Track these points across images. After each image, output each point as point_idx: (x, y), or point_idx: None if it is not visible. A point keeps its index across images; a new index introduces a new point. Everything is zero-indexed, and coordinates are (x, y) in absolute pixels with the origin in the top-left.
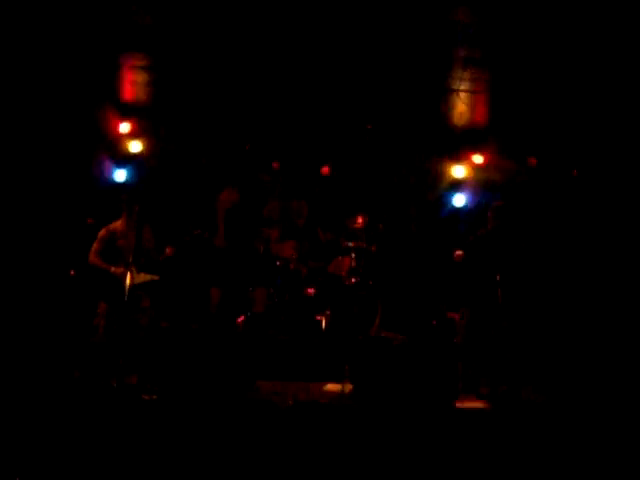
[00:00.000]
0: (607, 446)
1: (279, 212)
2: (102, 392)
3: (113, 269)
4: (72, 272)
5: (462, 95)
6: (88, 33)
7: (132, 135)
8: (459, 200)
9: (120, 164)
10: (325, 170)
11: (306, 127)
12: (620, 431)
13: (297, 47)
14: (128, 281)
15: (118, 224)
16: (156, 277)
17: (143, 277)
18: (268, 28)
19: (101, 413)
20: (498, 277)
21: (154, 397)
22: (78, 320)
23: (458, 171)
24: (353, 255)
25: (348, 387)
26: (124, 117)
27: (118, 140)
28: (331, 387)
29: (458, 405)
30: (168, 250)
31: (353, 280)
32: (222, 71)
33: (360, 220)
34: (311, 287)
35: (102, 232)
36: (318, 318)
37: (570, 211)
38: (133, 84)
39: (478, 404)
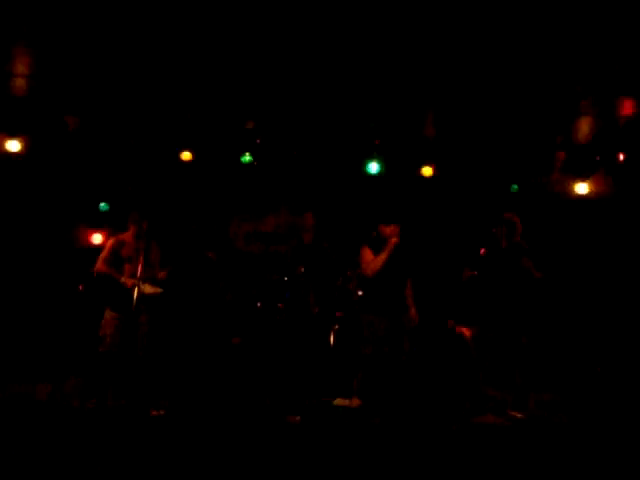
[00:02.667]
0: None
1: (287, 228)
2: (110, 407)
3: (123, 279)
4: (81, 287)
5: None
6: None
7: None
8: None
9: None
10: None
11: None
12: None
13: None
14: (137, 292)
15: (126, 235)
16: (160, 290)
17: (149, 289)
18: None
19: (109, 428)
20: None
21: (162, 412)
22: (85, 331)
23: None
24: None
25: (356, 402)
26: None
27: None
28: (339, 402)
29: (467, 420)
30: (161, 274)
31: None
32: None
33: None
34: (319, 302)
35: (111, 241)
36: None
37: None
38: None
39: (491, 419)
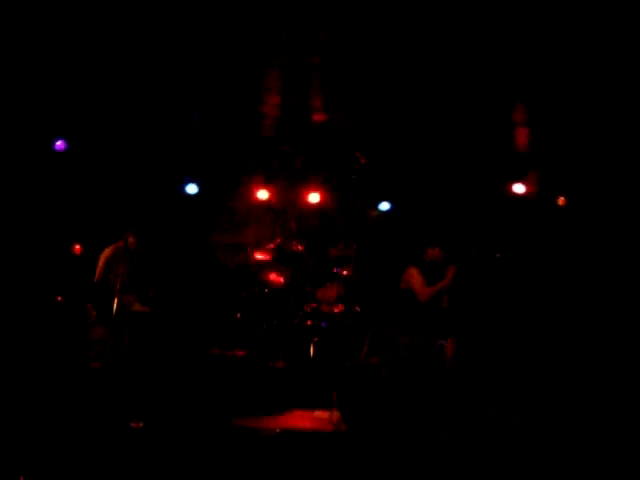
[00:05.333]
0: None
1: (269, 240)
2: (90, 420)
3: (118, 296)
4: (59, 298)
5: None
6: None
7: None
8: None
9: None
10: (313, 197)
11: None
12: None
13: None
14: (117, 307)
15: (120, 244)
16: (149, 310)
17: (138, 307)
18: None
19: (88, 440)
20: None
21: (141, 425)
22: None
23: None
24: (341, 282)
25: (336, 414)
26: None
27: None
28: (319, 414)
29: (445, 431)
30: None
31: (341, 307)
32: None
33: (348, 247)
34: (299, 314)
35: (107, 252)
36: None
37: (563, 239)
38: None
39: (465, 429)
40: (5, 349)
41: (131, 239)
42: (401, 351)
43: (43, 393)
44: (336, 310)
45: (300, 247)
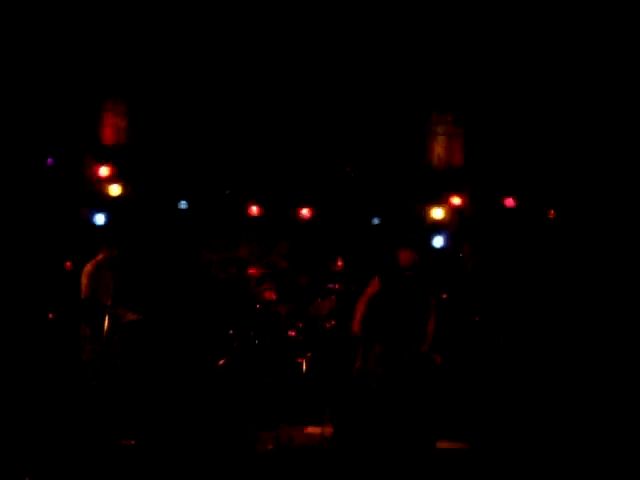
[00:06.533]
0: None
1: (259, 255)
2: (81, 437)
3: (109, 311)
4: (50, 315)
5: (440, 138)
6: (71, 80)
7: (111, 179)
8: (437, 242)
9: (99, 208)
10: (304, 212)
11: (285, 170)
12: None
13: (276, 89)
14: (110, 320)
15: (100, 258)
16: (140, 317)
17: (131, 316)
18: (247, 71)
19: (79, 458)
20: (477, 318)
21: (132, 442)
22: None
23: (437, 213)
24: (333, 297)
25: (329, 430)
26: (103, 161)
27: (97, 184)
28: (312, 430)
29: (438, 445)
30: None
31: (333, 322)
32: (201, 114)
33: (340, 262)
34: (292, 329)
35: (89, 268)
36: (299, 360)
37: (548, 252)
38: (113, 128)
39: (458, 444)
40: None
41: (112, 251)
42: (379, 363)
43: (37, 410)
44: (328, 325)
45: (285, 264)
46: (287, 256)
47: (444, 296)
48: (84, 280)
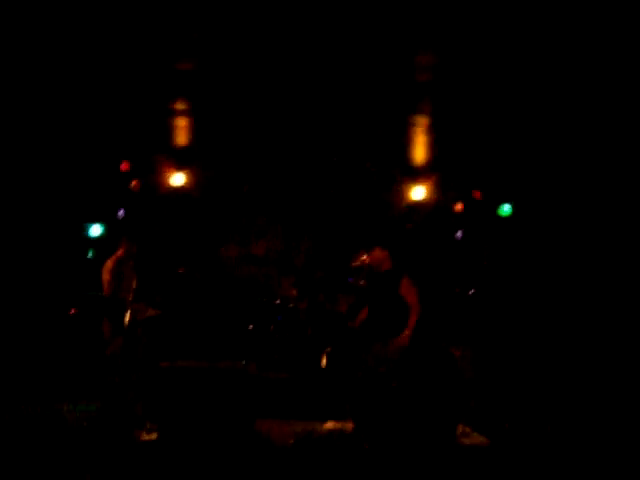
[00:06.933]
0: None
1: (278, 250)
2: (101, 433)
3: (131, 307)
4: (73, 311)
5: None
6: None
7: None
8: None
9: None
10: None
11: (304, 165)
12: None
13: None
14: (130, 316)
15: (120, 253)
16: (158, 312)
17: (151, 312)
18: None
19: (99, 453)
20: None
21: (153, 437)
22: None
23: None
24: (354, 293)
25: (349, 425)
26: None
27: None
28: (332, 425)
29: (460, 441)
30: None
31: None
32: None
33: (363, 257)
34: (311, 325)
35: (109, 264)
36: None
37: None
38: None
39: (480, 440)
40: (18, 360)
41: (132, 246)
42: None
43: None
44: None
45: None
46: (307, 252)
47: (472, 291)
48: (105, 276)
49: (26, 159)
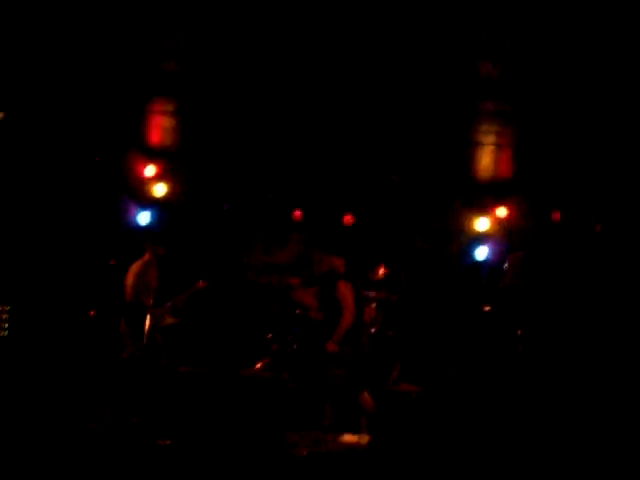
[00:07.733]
0: None
1: (300, 260)
2: (116, 436)
3: (150, 312)
4: (92, 313)
5: (487, 148)
6: (117, 80)
7: (157, 178)
8: (481, 253)
9: (144, 207)
10: (348, 219)
11: (330, 176)
12: None
13: (323, 94)
14: (151, 323)
15: (147, 257)
16: (179, 320)
17: (170, 320)
18: (296, 76)
19: (114, 457)
20: (519, 332)
21: (168, 442)
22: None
23: (482, 224)
24: (373, 305)
25: (365, 438)
26: (149, 160)
27: (143, 183)
28: (348, 438)
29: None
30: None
31: (372, 330)
32: (248, 117)
33: (382, 270)
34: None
35: (135, 267)
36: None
37: (593, 267)
38: (159, 128)
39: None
40: (36, 360)
41: (159, 249)
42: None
43: (74, 405)
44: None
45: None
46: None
47: (487, 309)
48: (130, 279)
49: (57, 163)
